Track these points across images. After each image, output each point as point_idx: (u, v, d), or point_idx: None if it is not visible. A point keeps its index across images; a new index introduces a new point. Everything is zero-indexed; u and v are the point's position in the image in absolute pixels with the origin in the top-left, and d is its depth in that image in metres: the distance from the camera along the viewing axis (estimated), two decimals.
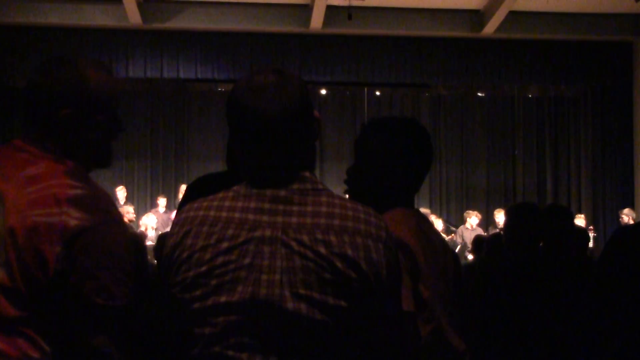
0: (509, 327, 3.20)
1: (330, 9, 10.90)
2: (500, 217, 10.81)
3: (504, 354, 3.16)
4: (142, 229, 10.52)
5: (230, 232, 1.43)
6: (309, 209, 1.45)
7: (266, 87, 1.47)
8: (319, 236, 1.41)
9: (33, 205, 1.52)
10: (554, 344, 3.21)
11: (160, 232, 9.80)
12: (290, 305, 1.38)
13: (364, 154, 1.98)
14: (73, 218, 1.51)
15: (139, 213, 11.46)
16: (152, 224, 10.66)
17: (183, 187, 11.50)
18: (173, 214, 4.00)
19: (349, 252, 1.41)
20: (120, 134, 1.71)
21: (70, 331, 1.53)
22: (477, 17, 11.66)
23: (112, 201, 1.63)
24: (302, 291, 1.39)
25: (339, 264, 1.40)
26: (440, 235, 2.17)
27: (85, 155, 1.66)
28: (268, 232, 1.42)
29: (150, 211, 11.51)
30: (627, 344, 3.23)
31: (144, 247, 2.62)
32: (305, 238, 1.41)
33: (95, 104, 1.64)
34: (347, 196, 1.95)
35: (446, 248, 2.04)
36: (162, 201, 11.67)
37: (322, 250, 1.40)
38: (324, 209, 1.45)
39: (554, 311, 3.24)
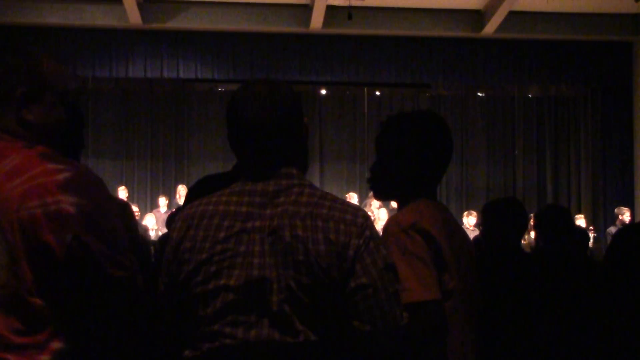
0: (508, 327, 3.20)
1: (330, 9, 10.91)
2: None
3: (503, 353, 3.16)
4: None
5: (226, 222, 1.62)
6: (292, 198, 1.63)
7: (257, 97, 1.65)
8: (298, 222, 1.59)
9: (25, 198, 1.52)
10: (553, 343, 3.21)
11: (161, 233, 9.79)
12: (275, 285, 1.56)
13: (384, 150, 2.04)
14: (70, 205, 1.53)
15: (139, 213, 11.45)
16: (151, 225, 10.62)
17: (180, 188, 11.50)
18: None
19: (320, 235, 1.58)
20: (81, 128, 1.79)
21: (85, 309, 1.59)
22: (477, 17, 11.67)
23: (93, 173, 1.66)
24: (281, 271, 1.57)
25: (310, 246, 1.57)
26: (462, 227, 2.21)
27: (47, 140, 1.68)
28: (258, 223, 1.61)
29: (149, 212, 11.49)
30: (629, 343, 3.24)
31: (132, 212, 2.82)
32: (286, 222, 1.59)
33: (45, 82, 1.68)
34: (371, 193, 2.11)
35: (468, 240, 2.09)
36: (162, 201, 11.65)
37: (300, 233, 1.58)
38: (304, 199, 1.63)
39: (554, 311, 3.24)
